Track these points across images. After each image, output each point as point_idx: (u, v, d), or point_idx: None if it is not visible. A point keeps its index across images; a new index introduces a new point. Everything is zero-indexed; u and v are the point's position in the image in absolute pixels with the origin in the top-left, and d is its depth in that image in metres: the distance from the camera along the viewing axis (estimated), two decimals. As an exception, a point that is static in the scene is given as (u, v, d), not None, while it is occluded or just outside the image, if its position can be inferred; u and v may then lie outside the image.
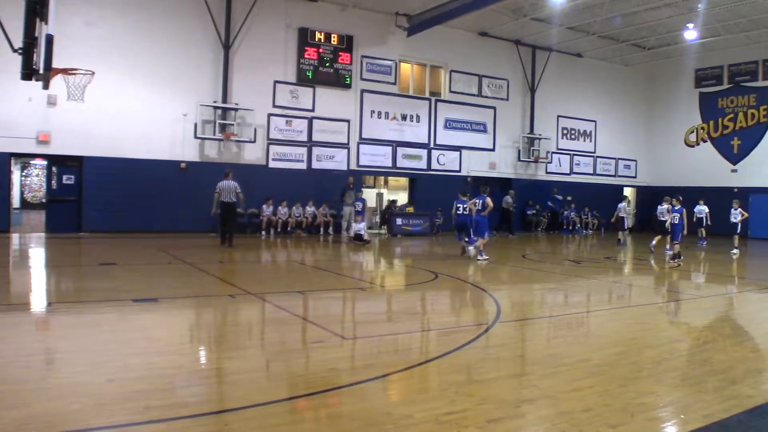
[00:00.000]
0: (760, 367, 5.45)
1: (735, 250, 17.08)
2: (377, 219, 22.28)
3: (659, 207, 17.20)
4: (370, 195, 23.35)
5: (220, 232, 15.43)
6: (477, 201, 13.42)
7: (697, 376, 5.02)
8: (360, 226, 16.98)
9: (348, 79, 20.50)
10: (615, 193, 27.37)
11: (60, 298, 8.25)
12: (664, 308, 8.54)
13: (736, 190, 23.58)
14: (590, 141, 27.01)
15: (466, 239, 13.83)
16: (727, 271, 13.98)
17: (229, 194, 15.11)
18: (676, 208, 14.00)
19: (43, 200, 23.07)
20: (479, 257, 13.16)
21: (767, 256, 19.16)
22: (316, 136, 20.10)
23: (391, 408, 4.06)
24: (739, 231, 17.62)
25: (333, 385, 4.54)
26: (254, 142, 18.93)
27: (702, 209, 19.74)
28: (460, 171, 23.21)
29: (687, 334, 7.03)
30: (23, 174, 30.29)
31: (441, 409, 3.99)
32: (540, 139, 24.74)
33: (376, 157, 21.37)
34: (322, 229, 19.68)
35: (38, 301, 7.99)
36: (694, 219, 19.42)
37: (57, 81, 12.62)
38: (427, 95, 22.70)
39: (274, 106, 19.40)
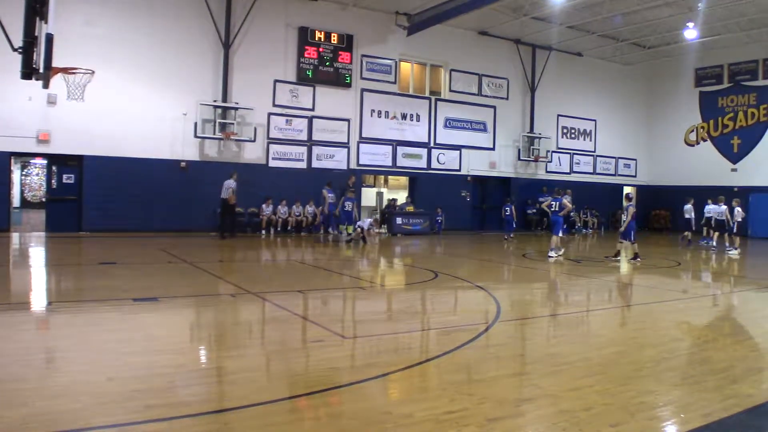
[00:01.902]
0: (759, 366, 5.45)
1: (733, 250, 17.02)
2: (377, 218, 22.27)
3: (717, 206, 17.31)
4: (370, 194, 23.38)
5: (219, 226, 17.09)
6: (553, 203, 14.35)
7: (696, 375, 5.02)
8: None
9: (348, 78, 20.49)
10: (615, 192, 27.42)
11: (60, 297, 8.25)
12: (664, 307, 8.53)
13: (736, 189, 23.57)
14: (590, 140, 27.01)
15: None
16: (729, 271, 13.98)
17: (224, 191, 16.61)
18: (626, 206, 13.91)
19: (43, 199, 23.06)
20: (554, 254, 13.92)
21: (766, 255, 19.13)
22: (316, 136, 20.10)
23: (391, 407, 4.07)
24: (734, 230, 17.59)
25: (333, 385, 4.55)
26: (254, 141, 18.92)
27: (710, 208, 19.80)
28: (460, 170, 23.22)
29: (687, 333, 7.03)
30: (23, 173, 30.28)
31: (441, 408, 3.99)
32: (540, 138, 24.73)
33: (376, 156, 21.37)
34: (322, 229, 19.66)
35: (38, 300, 7.99)
36: (703, 220, 19.62)
37: (57, 80, 12.66)
38: (427, 94, 22.69)
39: (274, 105, 19.40)
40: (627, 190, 28.40)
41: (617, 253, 14.09)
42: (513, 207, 19.85)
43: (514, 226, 19.70)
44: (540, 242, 20.16)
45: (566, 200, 14.50)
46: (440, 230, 21.40)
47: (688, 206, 19.46)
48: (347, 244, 16.52)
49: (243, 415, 3.79)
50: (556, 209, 14.23)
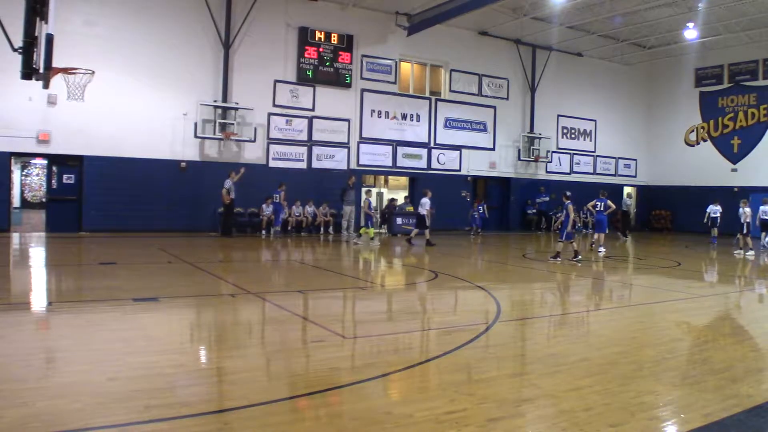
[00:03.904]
0: (760, 366, 5.45)
1: (751, 252, 17.03)
2: (377, 218, 22.27)
3: (761, 207, 17.54)
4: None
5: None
6: (597, 203, 15.49)
7: (697, 375, 5.02)
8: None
9: (348, 78, 20.49)
10: (615, 192, 27.41)
11: (60, 297, 8.25)
12: (664, 307, 8.53)
13: (736, 189, 23.57)
14: (590, 140, 27.00)
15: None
16: (731, 271, 13.97)
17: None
18: (566, 204, 13.87)
19: (43, 199, 23.06)
20: (599, 250, 15.30)
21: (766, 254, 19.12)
22: (317, 136, 20.09)
23: (391, 407, 4.06)
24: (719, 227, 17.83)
25: (333, 385, 4.55)
26: (254, 141, 18.92)
27: (716, 209, 19.88)
28: (460, 170, 23.22)
29: (687, 333, 7.03)
30: (23, 173, 30.28)
31: (441, 408, 3.99)
32: (540, 138, 24.73)
33: (376, 156, 21.37)
34: (322, 229, 19.68)
35: (39, 300, 7.99)
36: (706, 219, 19.75)
37: (57, 80, 12.60)
38: (427, 94, 22.69)
39: (275, 105, 19.39)
40: (627, 189, 28.50)
41: (557, 254, 13.91)
42: (485, 206, 21.97)
43: (481, 223, 21.57)
44: (539, 242, 20.16)
45: (611, 202, 15.72)
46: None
47: (745, 209, 19.06)
48: (408, 243, 16.83)
49: (243, 415, 3.79)
50: (601, 209, 15.44)
